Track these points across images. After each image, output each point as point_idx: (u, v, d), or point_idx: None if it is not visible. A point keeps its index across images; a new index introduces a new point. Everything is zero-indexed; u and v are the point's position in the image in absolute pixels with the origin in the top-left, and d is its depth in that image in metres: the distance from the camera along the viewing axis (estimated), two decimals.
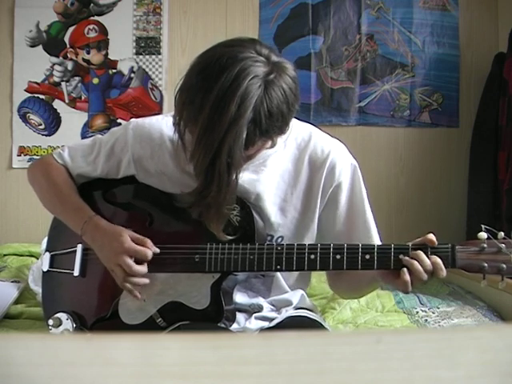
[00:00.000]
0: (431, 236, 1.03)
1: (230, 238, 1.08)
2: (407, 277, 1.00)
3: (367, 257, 1.03)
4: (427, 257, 1.00)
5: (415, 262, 0.99)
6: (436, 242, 1.02)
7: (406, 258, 1.01)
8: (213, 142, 0.94)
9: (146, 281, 1.11)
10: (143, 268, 1.10)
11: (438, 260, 1.00)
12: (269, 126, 0.97)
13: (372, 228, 1.20)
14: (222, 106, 0.93)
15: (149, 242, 1.11)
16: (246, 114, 0.93)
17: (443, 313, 1.75)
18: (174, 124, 1.06)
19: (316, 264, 1.05)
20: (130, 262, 1.08)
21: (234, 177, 1.00)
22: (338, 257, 1.04)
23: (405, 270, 1.00)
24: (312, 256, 1.05)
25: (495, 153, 2.44)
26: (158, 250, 1.11)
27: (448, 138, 2.69)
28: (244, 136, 0.95)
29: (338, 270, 1.11)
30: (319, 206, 1.17)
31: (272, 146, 1.08)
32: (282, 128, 1.02)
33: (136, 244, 1.10)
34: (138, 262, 1.10)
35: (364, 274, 1.11)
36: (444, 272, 1.00)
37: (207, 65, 0.97)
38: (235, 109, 0.93)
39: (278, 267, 1.07)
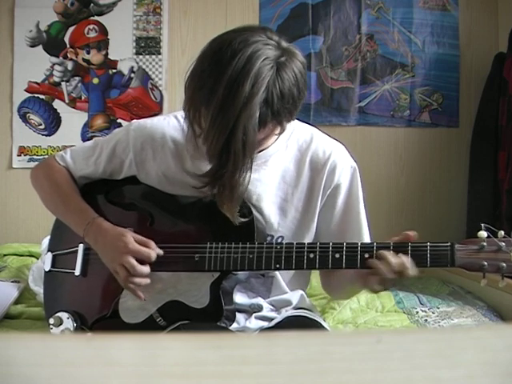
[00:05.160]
0: (410, 232, 1.02)
1: (244, 220, 1.08)
2: (374, 279, 1.01)
3: (366, 255, 1.03)
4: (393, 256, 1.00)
5: (378, 263, 1.00)
6: (414, 237, 1.01)
7: (370, 259, 1.01)
8: (228, 121, 0.95)
9: (148, 281, 1.11)
10: (146, 269, 1.10)
11: (404, 258, 0.99)
12: (280, 108, 0.99)
13: (364, 230, 1.20)
14: (236, 86, 0.94)
15: (152, 243, 1.11)
16: (260, 93, 0.95)
17: (443, 313, 1.75)
18: (183, 109, 1.06)
19: (315, 263, 1.05)
20: (134, 262, 1.08)
21: (248, 157, 1.00)
22: (337, 255, 1.04)
23: (371, 272, 1.01)
24: (311, 255, 1.05)
25: (495, 153, 2.44)
26: (161, 252, 1.11)
27: (448, 138, 2.69)
28: (257, 115, 0.96)
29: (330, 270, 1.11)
30: (319, 206, 1.18)
31: (280, 133, 1.09)
32: (291, 112, 1.03)
33: (140, 245, 1.10)
34: (141, 262, 1.10)
35: (350, 273, 1.11)
36: (411, 271, 1.00)
37: (219, 49, 0.98)
38: (249, 88, 0.94)
39: (277, 266, 1.07)
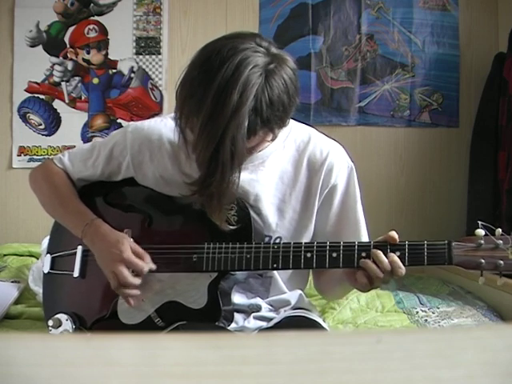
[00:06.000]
0: (393, 233, 1.02)
1: (232, 227, 1.08)
2: (363, 278, 1.01)
3: (363, 254, 1.03)
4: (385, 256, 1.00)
5: (369, 262, 1.00)
6: (397, 240, 1.01)
7: (364, 260, 1.01)
8: (216, 130, 0.95)
9: (138, 292, 1.11)
10: (136, 280, 1.10)
11: (396, 258, 0.99)
12: (270, 115, 0.98)
13: (362, 230, 1.20)
14: (225, 95, 0.94)
15: (147, 256, 1.11)
16: (248, 102, 0.94)
17: (443, 313, 1.75)
18: (175, 119, 1.06)
19: (312, 262, 1.05)
20: (126, 272, 1.08)
21: (237, 166, 1.00)
22: (335, 255, 1.04)
23: (361, 271, 1.01)
24: (308, 254, 1.05)
25: (495, 153, 2.44)
26: (154, 267, 1.11)
27: (448, 138, 2.69)
28: (246, 124, 0.95)
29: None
30: (317, 206, 1.18)
31: (273, 139, 1.08)
32: (282, 119, 1.02)
33: (134, 256, 1.10)
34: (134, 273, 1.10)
35: (339, 272, 1.12)
36: (403, 270, 1.00)
37: (208, 57, 0.98)
38: (237, 97, 0.94)
39: (275, 265, 1.07)
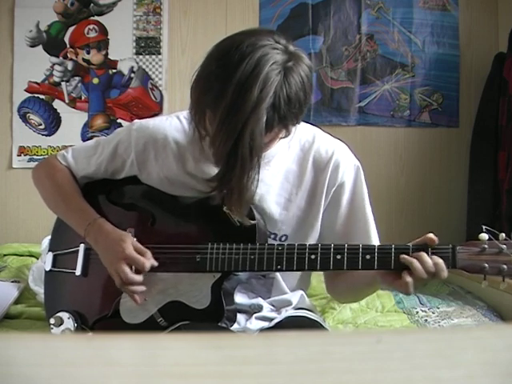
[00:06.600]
0: (431, 235, 1.02)
1: (253, 222, 1.08)
2: (408, 278, 0.99)
3: (368, 257, 1.02)
4: (429, 257, 1.00)
5: (416, 262, 0.99)
6: (436, 241, 1.01)
7: (407, 257, 1.00)
8: (236, 125, 0.95)
9: (143, 288, 1.11)
10: (138, 277, 1.10)
11: (440, 260, 0.99)
12: (287, 112, 0.99)
13: (371, 230, 1.20)
14: (245, 91, 0.94)
15: (149, 253, 1.11)
16: (268, 98, 0.95)
17: (443, 313, 1.75)
18: (189, 111, 1.06)
19: (316, 264, 1.05)
20: (127, 269, 1.09)
21: (256, 161, 1.00)
22: (339, 257, 1.04)
23: (406, 271, 1.00)
24: (312, 256, 1.05)
25: (495, 153, 2.44)
26: (156, 263, 1.11)
27: (448, 138, 2.69)
28: (264, 119, 0.96)
29: (337, 272, 1.10)
30: (323, 205, 1.18)
31: (285, 136, 1.09)
32: (297, 116, 1.03)
33: (136, 253, 1.10)
34: (136, 270, 1.10)
35: (364, 275, 1.11)
36: (446, 273, 1.00)
37: (226, 52, 0.98)
38: (257, 93, 0.94)
39: (279, 267, 1.07)
